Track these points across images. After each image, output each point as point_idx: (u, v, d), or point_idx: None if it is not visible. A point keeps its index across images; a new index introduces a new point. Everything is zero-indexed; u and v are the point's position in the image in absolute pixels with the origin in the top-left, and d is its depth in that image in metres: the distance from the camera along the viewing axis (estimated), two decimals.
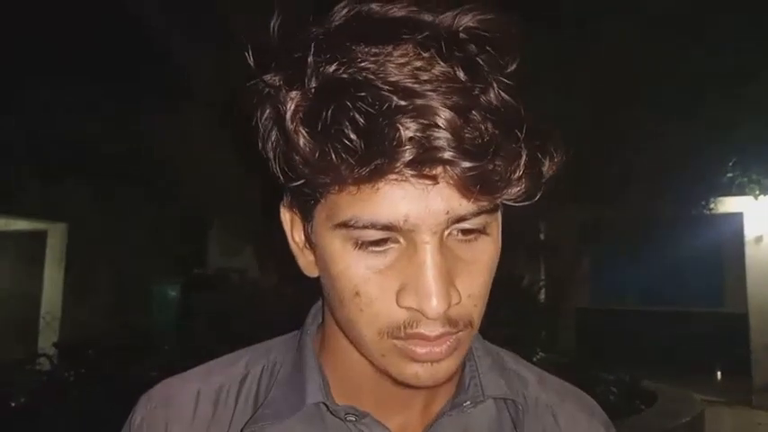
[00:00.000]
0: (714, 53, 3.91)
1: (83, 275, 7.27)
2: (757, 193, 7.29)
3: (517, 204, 0.53)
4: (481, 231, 0.55)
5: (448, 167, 0.49)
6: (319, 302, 0.70)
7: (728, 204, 7.52)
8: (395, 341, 0.55)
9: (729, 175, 6.54)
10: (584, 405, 0.74)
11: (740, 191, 7.06)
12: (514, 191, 0.51)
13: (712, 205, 5.70)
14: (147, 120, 3.79)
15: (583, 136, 3.53)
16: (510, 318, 3.84)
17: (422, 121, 0.47)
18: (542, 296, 5.37)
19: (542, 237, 4.95)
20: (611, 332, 8.69)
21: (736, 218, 8.14)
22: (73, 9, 4.28)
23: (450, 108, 0.48)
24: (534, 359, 3.65)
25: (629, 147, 4.23)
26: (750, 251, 8.19)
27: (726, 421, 6.54)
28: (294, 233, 0.63)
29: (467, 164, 0.48)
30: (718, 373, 8.62)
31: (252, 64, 0.55)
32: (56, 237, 7.48)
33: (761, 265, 8.08)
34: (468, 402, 0.65)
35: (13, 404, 3.91)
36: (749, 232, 8.17)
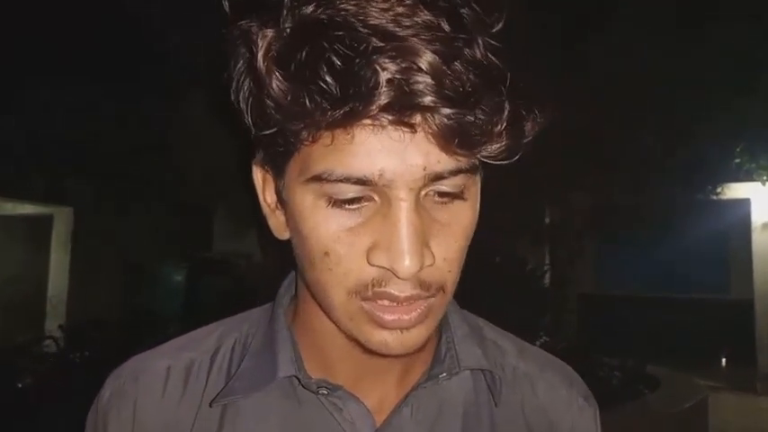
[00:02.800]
0: (722, 45, 3.87)
1: (88, 259, 7.32)
2: (765, 179, 7.23)
3: (497, 163, 0.51)
4: (458, 196, 0.54)
5: (427, 116, 0.47)
6: (293, 273, 0.68)
7: (736, 190, 7.46)
8: (363, 303, 0.53)
9: (737, 160, 6.49)
10: (564, 376, 0.73)
11: (748, 177, 7.01)
12: (494, 147, 0.49)
13: (719, 191, 5.65)
14: (148, 115, 3.78)
15: (589, 123, 3.51)
16: (513, 302, 3.84)
17: (402, 63, 0.45)
18: (546, 281, 5.37)
19: (547, 221, 4.94)
20: (616, 318, 8.69)
21: (744, 204, 8.09)
22: (73, 9, 4.26)
23: (433, 52, 0.45)
24: (537, 343, 3.64)
25: (635, 134, 4.20)
26: (757, 237, 8.15)
27: (729, 406, 6.54)
28: (266, 193, 0.61)
29: (447, 110, 0.46)
30: (723, 360, 8.61)
31: (227, 9, 0.52)
32: (62, 221, 7.55)
33: None
34: (444, 374, 0.63)
35: (19, 385, 3.95)
36: (756, 218, 8.13)
